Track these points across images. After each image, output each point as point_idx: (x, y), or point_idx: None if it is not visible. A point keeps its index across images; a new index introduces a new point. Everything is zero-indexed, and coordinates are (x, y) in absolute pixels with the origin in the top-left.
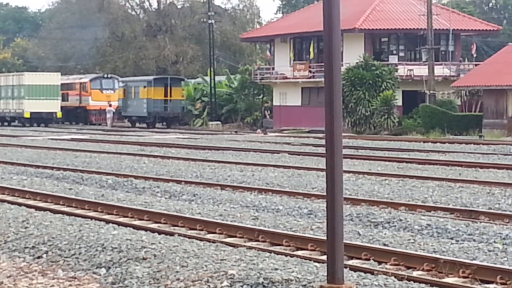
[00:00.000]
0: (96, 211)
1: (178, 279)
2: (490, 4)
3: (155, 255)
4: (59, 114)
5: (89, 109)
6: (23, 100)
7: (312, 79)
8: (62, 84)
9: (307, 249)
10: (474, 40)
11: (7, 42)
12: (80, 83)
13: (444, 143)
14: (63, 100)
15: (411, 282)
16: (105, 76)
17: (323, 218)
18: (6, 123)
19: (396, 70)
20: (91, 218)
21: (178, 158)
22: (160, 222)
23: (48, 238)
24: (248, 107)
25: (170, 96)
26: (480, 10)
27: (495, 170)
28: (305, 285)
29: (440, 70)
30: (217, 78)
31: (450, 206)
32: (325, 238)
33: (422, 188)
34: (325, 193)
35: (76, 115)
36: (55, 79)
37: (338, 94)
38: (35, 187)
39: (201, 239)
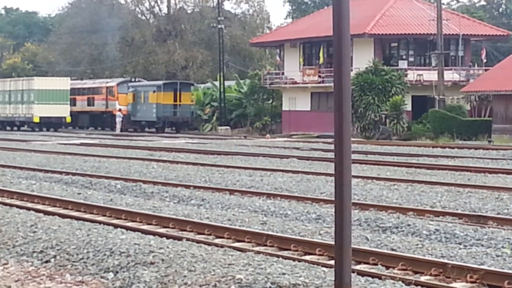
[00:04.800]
0: (105, 215)
1: (185, 284)
2: (500, 10)
3: (163, 260)
4: (68, 119)
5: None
6: (33, 104)
7: (321, 84)
8: (87, 88)
9: (315, 254)
10: (484, 45)
11: (17, 46)
12: (107, 87)
13: (453, 148)
14: (88, 104)
15: (419, 287)
16: (132, 80)
17: (331, 223)
18: (15, 128)
19: (406, 75)
20: (100, 222)
21: (187, 163)
22: (168, 227)
23: (57, 242)
24: (258, 112)
25: (180, 101)
26: (490, 15)
27: (504, 175)
28: None
29: (450, 75)
30: (227, 83)
31: (459, 211)
32: (333, 243)
33: (430, 193)
34: (333, 198)
35: (102, 120)
36: (64, 83)
37: (348, 99)
38: (44, 191)
39: (209, 244)
